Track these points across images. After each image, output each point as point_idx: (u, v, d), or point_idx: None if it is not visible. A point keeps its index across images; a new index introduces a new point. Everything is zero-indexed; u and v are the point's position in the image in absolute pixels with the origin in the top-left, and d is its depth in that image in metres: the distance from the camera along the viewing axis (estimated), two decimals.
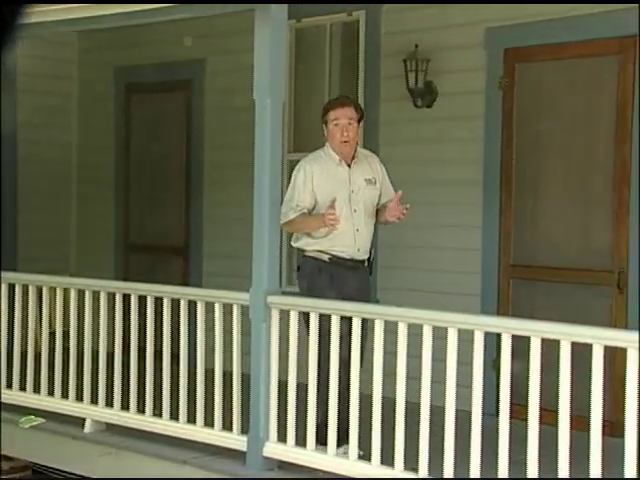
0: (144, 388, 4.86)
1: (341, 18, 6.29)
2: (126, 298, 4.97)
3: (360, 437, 4.06)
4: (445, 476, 3.77)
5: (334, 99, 4.87)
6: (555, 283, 5.34)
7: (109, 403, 5.02)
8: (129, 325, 4.93)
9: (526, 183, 5.52)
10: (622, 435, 3.31)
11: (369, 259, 4.56)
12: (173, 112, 7.34)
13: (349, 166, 4.51)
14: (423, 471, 3.84)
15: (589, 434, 3.37)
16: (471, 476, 3.69)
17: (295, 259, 6.66)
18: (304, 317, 4.31)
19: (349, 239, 4.45)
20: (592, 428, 3.36)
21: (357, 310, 4.20)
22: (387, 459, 3.96)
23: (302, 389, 4.25)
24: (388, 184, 4.64)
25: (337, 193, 4.42)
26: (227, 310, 4.58)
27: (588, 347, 3.44)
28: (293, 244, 4.65)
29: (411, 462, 3.90)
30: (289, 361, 4.33)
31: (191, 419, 4.66)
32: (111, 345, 5.05)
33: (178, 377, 4.70)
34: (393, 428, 3.91)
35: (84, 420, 5.08)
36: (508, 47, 5.46)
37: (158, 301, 4.83)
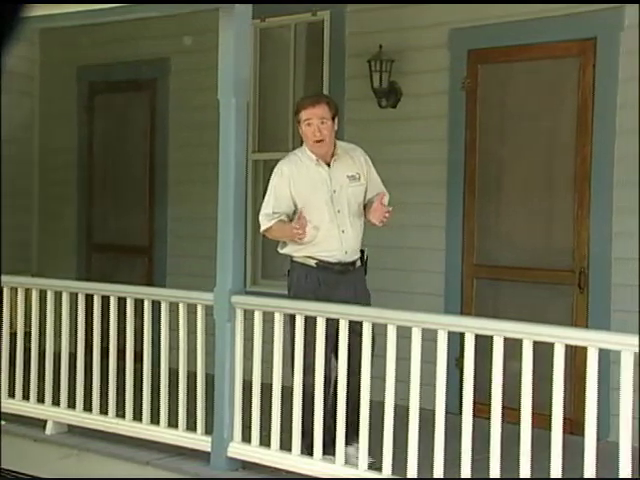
0: (107, 389, 4.82)
1: (306, 18, 6.29)
2: (89, 298, 4.93)
3: (325, 438, 4.06)
4: (408, 475, 3.79)
5: (306, 97, 4.69)
6: (518, 283, 5.39)
7: (71, 404, 4.98)
8: (92, 326, 4.89)
9: (489, 183, 5.56)
10: (582, 433, 3.35)
11: (362, 259, 4.39)
12: (137, 111, 7.30)
13: (328, 165, 4.33)
14: (387, 470, 3.85)
15: (550, 432, 3.41)
16: (434, 475, 3.71)
17: (261, 258, 6.66)
18: (290, 320, 4.19)
19: (335, 242, 4.28)
20: (553, 426, 3.40)
21: (321, 310, 4.20)
22: (351, 458, 3.97)
23: (267, 389, 4.25)
24: (375, 177, 4.44)
25: (317, 195, 4.27)
26: (191, 310, 4.57)
27: (550, 346, 3.47)
28: (280, 250, 4.46)
29: (376, 461, 3.92)
30: (254, 361, 4.33)
31: (155, 420, 4.64)
32: (73, 346, 5.00)
33: (141, 378, 4.68)
34: (356, 428, 3.91)
35: (45, 422, 5.03)
36: (471, 48, 5.50)
37: (121, 301, 4.80)
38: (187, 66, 6.83)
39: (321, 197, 4.28)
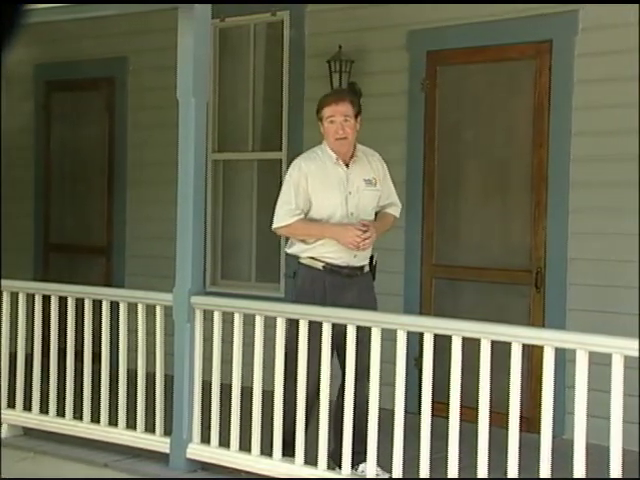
0: (64, 391, 4.78)
1: (265, 18, 6.29)
2: (46, 299, 4.88)
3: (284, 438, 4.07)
4: (368, 475, 3.81)
5: (329, 94, 4.49)
6: (476, 283, 5.44)
7: (27, 407, 4.92)
8: (49, 327, 4.84)
9: (448, 184, 5.60)
10: (538, 431, 3.40)
11: (371, 264, 4.26)
12: (95, 110, 7.23)
13: (347, 166, 4.20)
14: (346, 470, 3.87)
15: (507, 430, 3.45)
16: (394, 474, 3.73)
17: (221, 259, 6.64)
18: (294, 324, 4.02)
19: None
20: (510, 424, 3.43)
21: (282, 310, 4.21)
22: (311, 458, 3.98)
23: (226, 389, 4.24)
24: (389, 185, 4.34)
25: (332, 194, 4.15)
26: (150, 311, 4.54)
27: (507, 345, 3.51)
28: (287, 250, 4.33)
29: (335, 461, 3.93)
30: (213, 362, 4.31)
31: (113, 421, 4.60)
32: (30, 347, 4.95)
33: (99, 379, 4.64)
34: (317, 427, 3.92)
35: (0, 425, 4.97)
36: (430, 49, 5.54)
37: (79, 302, 4.75)
38: (145, 65, 6.79)
39: (336, 197, 4.16)
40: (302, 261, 4.22)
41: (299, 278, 4.24)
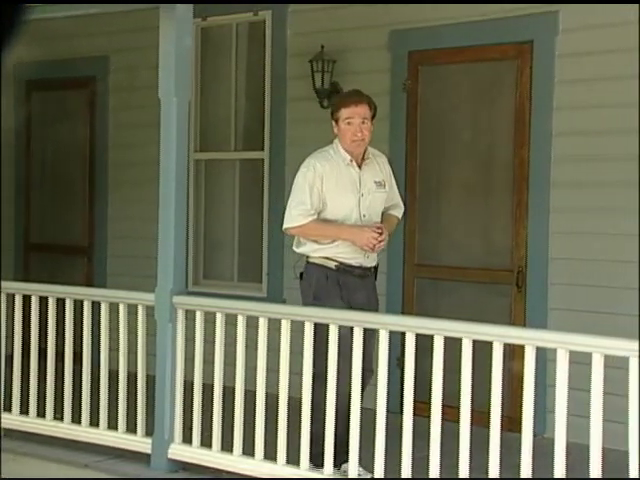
0: (45, 391, 4.75)
1: (247, 18, 6.28)
2: (26, 299, 4.85)
3: (266, 437, 4.07)
4: (350, 475, 3.81)
5: (347, 95, 4.44)
6: (458, 282, 5.45)
7: (7, 407, 4.89)
8: (30, 327, 4.81)
9: (430, 184, 5.62)
10: (520, 429, 3.41)
11: (375, 266, 4.28)
12: (76, 110, 7.20)
13: (359, 167, 4.19)
14: (328, 470, 3.87)
15: (489, 429, 3.46)
16: (375, 474, 3.74)
17: (203, 259, 6.62)
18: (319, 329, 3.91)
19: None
20: (492, 423, 3.45)
21: (264, 310, 4.21)
22: (293, 458, 3.98)
23: (208, 389, 4.23)
24: (394, 187, 4.36)
25: (346, 195, 4.14)
26: (132, 311, 4.53)
27: (489, 344, 3.53)
28: (296, 249, 4.26)
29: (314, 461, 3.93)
30: (195, 362, 4.31)
31: (94, 422, 4.58)
32: (10, 347, 4.92)
33: (81, 379, 4.62)
34: (299, 427, 3.92)
35: None
36: (412, 50, 5.55)
37: (60, 302, 4.73)
38: (127, 64, 6.77)
39: (349, 198, 4.14)
40: (314, 261, 4.17)
41: (312, 278, 4.16)
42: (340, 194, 4.14)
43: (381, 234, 4.09)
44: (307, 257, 4.22)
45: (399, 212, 4.41)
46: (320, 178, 4.12)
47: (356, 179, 4.17)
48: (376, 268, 4.28)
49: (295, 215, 4.15)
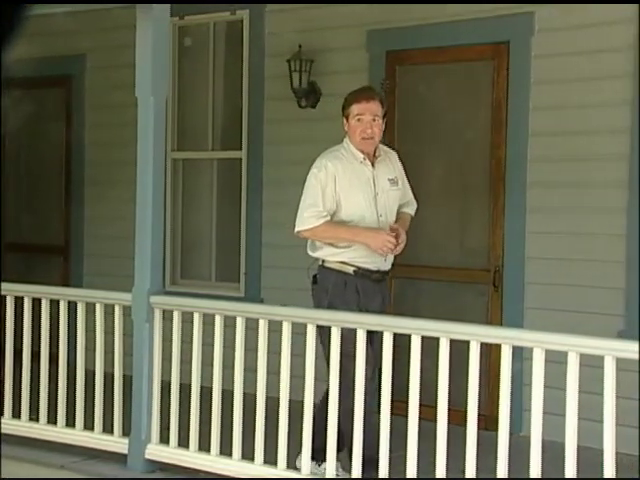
0: (20, 392, 4.71)
1: (225, 17, 6.27)
2: (1, 299, 4.81)
3: (244, 437, 4.06)
4: (327, 475, 3.81)
5: (358, 91, 4.21)
6: (436, 282, 5.47)
7: None
8: (4, 328, 4.77)
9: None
10: (496, 428, 3.43)
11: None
12: (52, 108, 7.16)
13: (372, 165, 4.07)
14: (306, 470, 3.87)
15: (466, 428, 3.47)
16: (353, 474, 3.74)
17: (180, 259, 6.60)
18: (323, 331, 3.83)
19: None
20: (469, 422, 3.46)
21: (241, 310, 4.20)
22: (270, 458, 3.98)
23: (185, 389, 4.22)
24: (407, 184, 4.21)
25: (361, 195, 4.00)
26: (109, 311, 4.50)
27: (466, 344, 3.54)
28: (311, 253, 4.14)
29: (293, 461, 3.93)
30: (172, 362, 4.29)
31: (70, 423, 4.56)
32: None
33: (56, 380, 4.59)
34: (276, 426, 3.92)
35: None
36: (389, 50, 5.56)
37: (36, 302, 4.69)
38: (103, 63, 6.73)
39: (365, 198, 4.01)
40: (330, 265, 4.06)
41: (328, 283, 4.04)
42: (354, 194, 4.00)
43: (398, 236, 3.96)
44: (322, 261, 4.10)
45: (412, 209, 4.30)
46: (333, 178, 3.99)
47: (370, 178, 4.03)
48: (387, 273, 4.18)
49: (307, 217, 4.00)
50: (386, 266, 4.09)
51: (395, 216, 4.12)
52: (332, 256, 4.06)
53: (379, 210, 4.02)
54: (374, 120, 4.01)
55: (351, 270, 4.03)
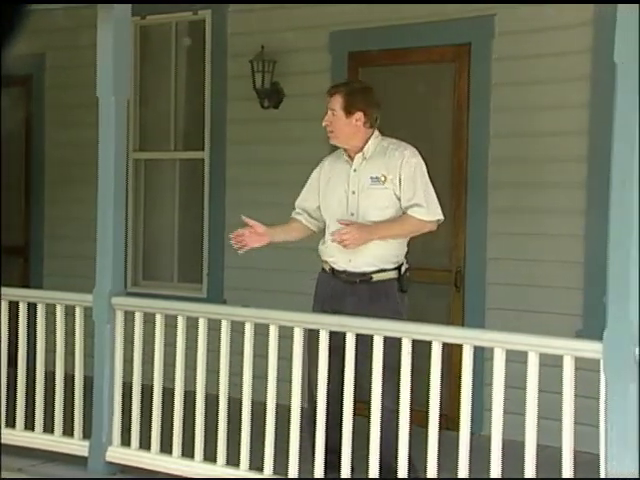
0: None
1: (187, 17, 6.24)
2: None
3: (206, 438, 4.05)
4: (290, 475, 3.81)
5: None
6: None
7: None
8: None
9: None
10: (457, 428, 3.45)
11: (400, 273, 3.91)
12: (11, 108, 7.06)
13: (352, 161, 3.98)
14: (268, 470, 3.86)
15: (427, 428, 3.49)
16: (315, 475, 3.74)
17: (142, 259, 6.56)
18: (312, 334, 3.77)
19: (338, 249, 3.87)
20: (430, 422, 3.48)
21: (204, 311, 4.19)
22: (232, 459, 3.97)
23: (147, 390, 4.20)
24: (414, 185, 3.88)
25: (334, 193, 3.98)
26: (69, 312, 4.46)
27: (427, 344, 3.56)
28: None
29: (257, 462, 3.92)
30: (134, 364, 4.27)
31: (29, 425, 4.51)
32: None
33: (16, 382, 4.53)
34: (239, 428, 3.92)
35: None
36: (352, 51, 5.57)
37: None
38: (64, 62, 6.67)
39: (335, 196, 3.97)
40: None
41: (316, 282, 4.08)
42: (330, 191, 4.02)
43: (346, 231, 3.80)
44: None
45: (419, 213, 3.90)
46: (318, 175, 4.09)
47: (347, 175, 3.97)
48: (401, 277, 3.91)
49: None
50: (353, 268, 3.90)
51: (380, 216, 3.89)
52: (320, 254, 4.08)
53: (350, 208, 3.93)
54: (333, 115, 3.98)
55: (327, 268, 4.03)
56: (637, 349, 3.09)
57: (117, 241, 4.34)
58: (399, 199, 3.91)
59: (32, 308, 4.58)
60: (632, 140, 3.08)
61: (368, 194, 3.91)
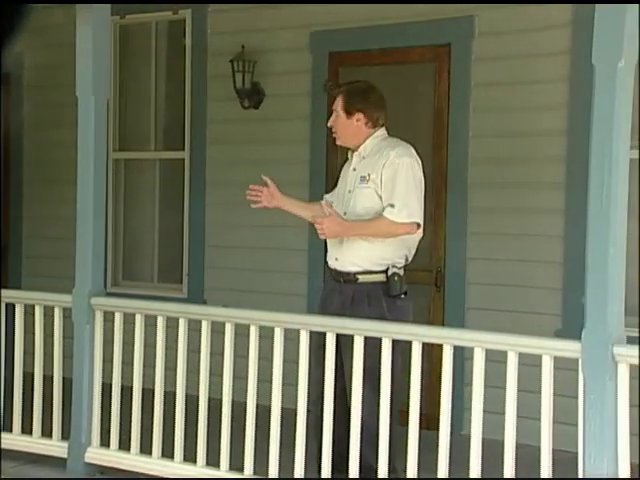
0: None
1: (167, 16, 6.22)
2: None
3: (186, 439, 4.04)
4: (270, 475, 3.81)
5: None
6: None
7: None
8: None
9: None
10: (437, 428, 3.46)
11: (387, 277, 3.82)
12: None
13: (352, 160, 4.01)
14: (248, 470, 3.86)
15: (407, 427, 3.50)
16: (295, 474, 3.74)
17: (122, 259, 6.53)
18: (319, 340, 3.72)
19: (330, 246, 3.92)
20: (410, 421, 3.49)
21: (184, 311, 4.18)
22: (213, 459, 3.96)
23: (127, 391, 4.18)
24: (393, 185, 3.80)
25: (338, 194, 4.05)
26: (48, 312, 4.44)
27: (408, 344, 3.57)
28: None
29: (237, 462, 3.92)
30: (113, 364, 4.25)
31: (7, 427, 4.48)
32: None
33: None
34: (219, 428, 3.91)
35: None
36: (332, 51, 5.58)
37: None
38: (43, 62, 6.63)
39: (339, 194, 4.04)
40: None
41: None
42: (336, 190, 4.10)
43: (321, 220, 3.80)
44: None
45: (390, 213, 3.77)
46: (340, 173, 4.14)
47: (346, 174, 4.02)
48: (388, 279, 3.82)
49: None
50: (339, 266, 3.86)
51: (366, 215, 3.86)
52: None
53: (344, 208, 3.94)
54: (336, 116, 4.01)
55: (328, 267, 4.01)
56: (614, 348, 3.12)
57: (97, 241, 4.33)
58: (381, 199, 3.88)
59: (10, 309, 4.55)
60: (609, 141, 3.10)
61: (356, 193, 3.91)
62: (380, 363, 3.58)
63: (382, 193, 3.84)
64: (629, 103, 3.15)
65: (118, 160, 6.48)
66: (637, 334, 3.86)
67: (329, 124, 4.06)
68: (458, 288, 5.21)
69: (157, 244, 6.44)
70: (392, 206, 3.80)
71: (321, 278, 5.61)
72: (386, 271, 3.84)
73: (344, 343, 3.72)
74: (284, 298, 5.53)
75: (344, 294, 3.86)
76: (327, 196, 4.21)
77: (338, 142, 4.08)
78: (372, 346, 3.61)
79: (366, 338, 3.63)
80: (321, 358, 3.71)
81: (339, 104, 4.01)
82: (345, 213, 3.91)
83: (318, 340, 3.77)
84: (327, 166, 5.62)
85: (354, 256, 3.85)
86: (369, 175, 3.87)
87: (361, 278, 3.84)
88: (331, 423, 3.64)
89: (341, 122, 3.99)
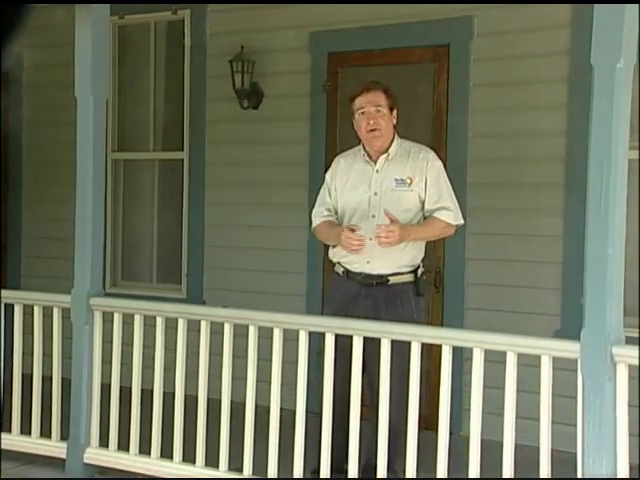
0: None
1: (166, 17, 6.22)
2: None
3: (185, 439, 4.04)
4: (269, 475, 3.81)
5: (362, 84, 4.05)
6: None
7: None
8: None
9: None
10: (436, 428, 3.46)
11: (416, 277, 3.87)
12: None
13: (376, 163, 3.91)
14: (247, 470, 3.86)
15: (407, 428, 3.50)
16: (294, 475, 3.74)
17: (121, 260, 6.53)
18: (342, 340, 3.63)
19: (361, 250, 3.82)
20: (409, 422, 3.49)
21: (183, 312, 4.17)
22: (211, 460, 3.96)
23: (126, 392, 4.18)
24: (440, 188, 3.86)
25: (355, 194, 3.88)
26: (47, 313, 4.44)
27: (407, 344, 3.57)
28: (329, 254, 4.08)
29: (236, 462, 3.92)
30: (113, 365, 4.25)
31: (7, 427, 4.48)
32: None
33: None
34: (218, 429, 3.91)
35: None
36: (331, 51, 5.58)
37: None
38: (42, 61, 6.63)
39: (357, 197, 3.88)
40: (335, 266, 4.04)
41: (329, 284, 4.07)
42: (348, 192, 3.92)
43: (360, 236, 3.76)
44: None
45: (447, 215, 3.88)
46: (334, 174, 4.00)
47: (369, 177, 3.89)
48: (417, 280, 3.89)
49: (313, 216, 4.06)
50: (371, 270, 3.85)
51: (406, 216, 3.84)
52: (333, 257, 4.03)
53: (372, 210, 3.85)
54: (378, 111, 3.86)
55: (341, 271, 3.98)
56: (613, 349, 3.12)
57: (96, 242, 4.33)
58: (422, 202, 3.88)
59: (9, 309, 4.55)
60: (608, 141, 3.10)
61: (391, 196, 3.84)
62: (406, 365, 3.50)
63: (427, 196, 3.87)
64: (628, 103, 3.15)
65: (117, 160, 6.47)
66: (637, 335, 3.86)
67: (371, 121, 3.85)
68: (457, 288, 5.20)
69: (156, 244, 6.44)
70: (447, 209, 3.89)
71: (320, 278, 5.63)
72: (415, 271, 3.91)
73: (370, 346, 3.62)
74: (283, 298, 5.53)
75: (373, 297, 3.85)
76: (328, 207, 4.00)
77: (379, 143, 3.90)
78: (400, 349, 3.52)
79: (393, 341, 3.55)
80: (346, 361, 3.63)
81: (382, 98, 3.87)
82: (374, 216, 3.85)
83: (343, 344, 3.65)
84: (326, 167, 5.59)
85: (388, 259, 3.83)
86: (410, 179, 3.85)
87: (392, 280, 3.87)
88: (358, 424, 3.59)
89: (387, 119, 3.89)
